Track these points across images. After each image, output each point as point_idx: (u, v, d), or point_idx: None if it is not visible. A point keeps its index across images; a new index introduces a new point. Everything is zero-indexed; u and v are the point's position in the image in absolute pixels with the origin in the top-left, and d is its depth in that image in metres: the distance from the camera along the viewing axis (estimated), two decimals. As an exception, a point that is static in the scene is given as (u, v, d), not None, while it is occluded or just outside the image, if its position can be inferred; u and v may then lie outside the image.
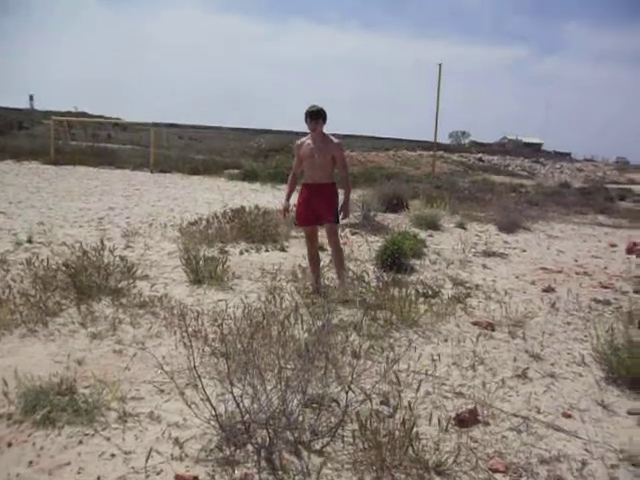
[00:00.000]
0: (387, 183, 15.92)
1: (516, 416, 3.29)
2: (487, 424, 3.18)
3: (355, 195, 12.89)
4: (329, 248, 5.77)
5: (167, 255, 6.90)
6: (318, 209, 5.42)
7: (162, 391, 3.37)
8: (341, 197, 5.54)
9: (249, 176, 18.80)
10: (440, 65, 26.18)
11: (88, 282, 4.96)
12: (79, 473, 2.56)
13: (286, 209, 5.80)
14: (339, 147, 5.48)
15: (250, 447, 2.75)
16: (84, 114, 50.70)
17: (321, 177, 5.45)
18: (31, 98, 63.65)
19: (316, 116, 5.36)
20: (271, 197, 14.18)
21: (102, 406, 3.10)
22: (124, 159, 21.60)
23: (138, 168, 19.85)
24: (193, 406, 2.92)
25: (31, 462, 2.61)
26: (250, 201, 12.16)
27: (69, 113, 41.92)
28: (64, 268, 5.15)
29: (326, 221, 5.46)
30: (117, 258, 5.60)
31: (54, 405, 3.01)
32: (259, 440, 2.78)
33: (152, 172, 19.22)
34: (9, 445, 2.73)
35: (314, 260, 5.61)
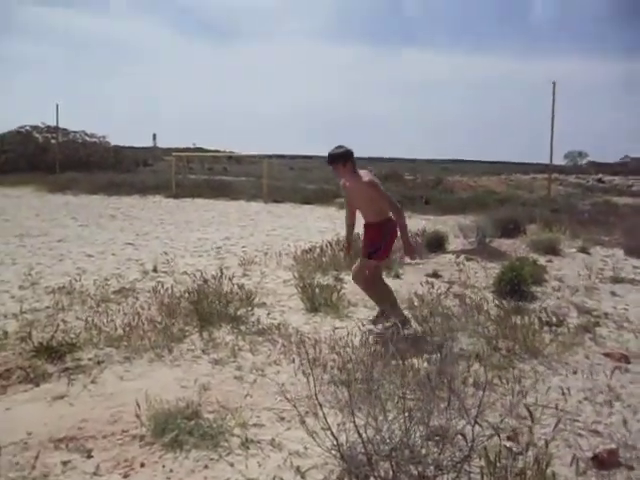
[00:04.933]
0: (501, 207, 15.43)
1: (664, 459, 2.99)
2: (631, 468, 2.91)
3: (467, 220, 12.61)
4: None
5: (283, 283, 7.03)
6: (365, 243, 5.27)
7: (282, 419, 3.39)
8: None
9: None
10: (554, 84, 25.17)
11: (209, 309, 5.13)
12: (206, 498, 2.61)
13: (347, 247, 5.73)
14: (369, 185, 4.94)
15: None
16: (201, 149, 53.41)
17: (366, 217, 5.20)
18: (154, 137, 68.02)
19: (331, 162, 5.03)
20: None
21: (226, 432, 3.16)
22: (239, 190, 22.42)
23: (252, 199, 20.53)
24: (314, 435, 2.90)
25: (161, 484, 2.69)
26: (361, 229, 12.16)
27: (188, 149, 44.39)
28: (187, 296, 5.39)
29: (362, 253, 5.24)
30: (235, 286, 5.77)
31: (181, 429, 3.10)
32: (382, 473, 2.70)
33: (266, 202, 19.80)
34: (142, 465, 2.83)
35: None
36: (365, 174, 5.02)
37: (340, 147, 5.04)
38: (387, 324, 4.96)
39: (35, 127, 32.14)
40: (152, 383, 3.83)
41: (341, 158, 4.99)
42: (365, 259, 5.14)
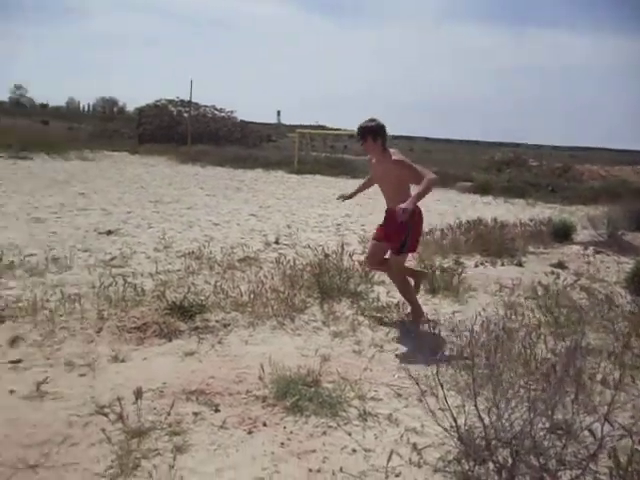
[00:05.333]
0: (636, 198, 14.40)
1: None
2: None
3: (597, 211, 11.90)
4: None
5: (401, 263, 7.01)
6: (389, 232, 4.73)
7: (400, 395, 3.42)
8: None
9: (481, 189, 18.40)
10: None
11: (330, 283, 5.24)
12: (324, 462, 2.70)
13: (343, 196, 5.42)
14: (398, 164, 4.48)
15: (491, 465, 2.65)
16: (323, 127, 54.00)
17: (392, 202, 4.65)
18: (278, 113, 69.81)
19: (360, 136, 4.59)
20: (504, 210, 13.71)
21: (344, 402, 3.24)
22: (359, 169, 22.46)
23: (372, 178, 20.52)
24: (431, 415, 2.90)
25: (282, 444, 2.82)
26: (483, 214, 11.88)
27: (310, 126, 45.07)
28: (309, 269, 5.53)
29: (389, 249, 4.74)
30: (356, 263, 5.85)
31: (302, 395, 3.22)
32: (500, 459, 2.66)
33: (385, 182, 19.75)
34: (264, 425, 2.97)
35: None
36: (395, 152, 4.61)
37: (372, 120, 4.60)
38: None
39: (170, 101, 33.89)
40: (274, 349, 3.99)
41: (371, 133, 4.54)
42: (395, 257, 4.70)
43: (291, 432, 2.93)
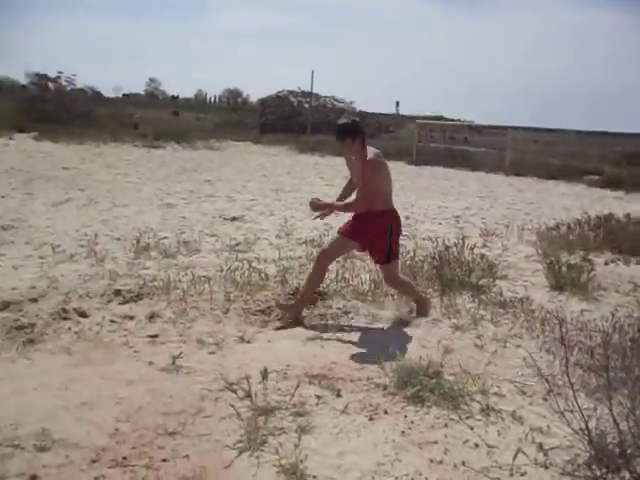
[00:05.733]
0: None
1: None
2: None
3: None
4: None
5: (524, 258, 6.78)
6: (367, 233, 4.31)
7: (524, 393, 3.33)
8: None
9: (611, 183, 17.29)
10: None
11: (451, 276, 5.17)
12: (445, 454, 2.68)
13: (316, 202, 4.40)
14: (366, 166, 4.19)
15: (627, 475, 2.51)
16: (442, 117, 52.87)
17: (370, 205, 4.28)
18: (397, 104, 69.13)
19: (338, 136, 4.23)
20: (639, 206, 12.81)
21: (466, 395, 3.19)
22: (479, 161, 21.85)
23: (492, 171, 19.90)
24: (558, 415, 2.79)
25: (403, 432, 2.83)
26: (613, 209, 11.18)
27: (429, 117, 44.32)
28: (429, 260, 5.48)
29: (375, 261, 4.51)
30: (477, 256, 5.72)
31: (423, 385, 3.21)
32: (638, 469, 2.51)
33: (507, 175, 19.05)
34: (385, 412, 3.00)
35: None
36: (371, 151, 4.27)
37: (349, 118, 4.31)
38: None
39: (292, 92, 34.59)
40: (394, 338, 4.00)
41: (350, 132, 4.19)
42: (387, 265, 4.39)
43: (412, 422, 2.93)
